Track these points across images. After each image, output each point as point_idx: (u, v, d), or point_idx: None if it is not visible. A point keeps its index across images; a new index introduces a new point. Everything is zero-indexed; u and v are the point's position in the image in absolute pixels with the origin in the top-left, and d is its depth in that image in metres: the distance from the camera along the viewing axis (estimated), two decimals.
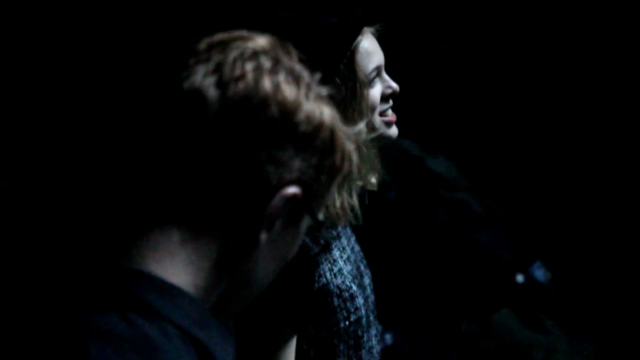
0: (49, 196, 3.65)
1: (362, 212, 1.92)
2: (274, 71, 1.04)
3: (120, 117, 1.02)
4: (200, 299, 1.04)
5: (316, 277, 1.84)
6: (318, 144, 1.06)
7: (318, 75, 1.10)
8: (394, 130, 1.99)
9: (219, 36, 1.07)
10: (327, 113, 1.07)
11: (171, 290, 1.00)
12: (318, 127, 1.05)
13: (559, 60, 4.80)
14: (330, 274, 1.86)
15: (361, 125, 1.85)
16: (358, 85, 1.88)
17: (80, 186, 3.59)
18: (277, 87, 1.03)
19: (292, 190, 1.03)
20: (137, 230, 1.04)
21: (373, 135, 1.92)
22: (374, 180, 2.01)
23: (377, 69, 1.94)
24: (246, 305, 1.15)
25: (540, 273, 4.43)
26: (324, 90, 1.10)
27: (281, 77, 1.04)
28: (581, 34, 4.79)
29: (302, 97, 1.05)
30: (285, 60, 1.06)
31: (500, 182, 4.72)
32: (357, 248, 2.04)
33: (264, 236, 1.05)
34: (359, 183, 1.97)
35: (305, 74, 1.08)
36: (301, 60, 1.09)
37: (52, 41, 3.83)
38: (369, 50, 1.92)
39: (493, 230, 4.42)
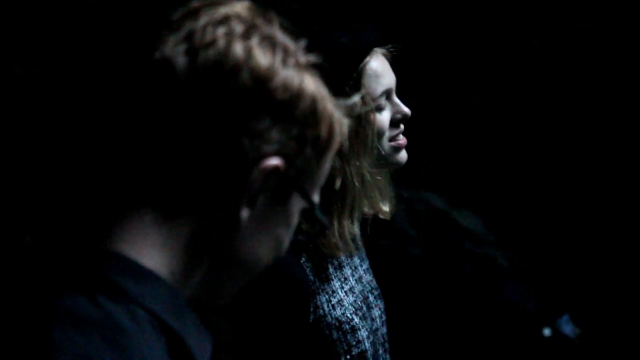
0: (31, 179, 3.62)
1: (381, 252, 1.88)
2: (246, 36, 0.97)
3: (101, 96, 1.01)
4: (177, 285, 0.98)
5: (312, 309, 1.77)
6: (298, 114, 0.99)
7: (303, 43, 1.03)
8: (402, 156, 1.89)
9: (194, 4, 1.00)
10: (309, 81, 1.00)
11: (144, 273, 0.95)
12: (297, 95, 0.98)
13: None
14: (329, 306, 1.80)
15: (368, 157, 1.80)
16: (364, 110, 1.79)
17: (63, 168, 3.56)
18: (249, 52, 0.96)
19: (272, 162, 0.96)
20: (114, 212, 0.98)
21: (381, 161, 1.84)
22: (386, 208, 1.94)
23: (387, 92, 1.85)
24: (236, 292, 1.07)
25: (568, 327, 4.40)
26: (309, 59, 1.03)
27: (254, 42, 0.97)
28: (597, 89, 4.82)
29: (277, 64, 0.97)
30: (261, 25, 0.99)
31: (527, 236, 4.71)
32: (366, 278, 1.96)
33: (245, 213, 0.98)
34: (369, 211, 1.90)
35: (284, 40, 1.00)
36: (284, 28, 1.02)
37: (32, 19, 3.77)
38: (378, 71, 1.83)
39: (519, 284, 4.41)
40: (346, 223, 1.80)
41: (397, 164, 1.89)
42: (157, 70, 0.96)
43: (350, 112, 1.07)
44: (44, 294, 0.93)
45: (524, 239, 4.69)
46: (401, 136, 1.88)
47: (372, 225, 1.97)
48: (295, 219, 1.05)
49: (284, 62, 0.98)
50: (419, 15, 4.70)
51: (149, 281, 0.95)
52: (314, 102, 1.00)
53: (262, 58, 0.96)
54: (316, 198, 1.06)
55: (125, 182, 0.98)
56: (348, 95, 1.76)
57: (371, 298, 1.94)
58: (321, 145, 1.02)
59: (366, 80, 1.81)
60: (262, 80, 0.96)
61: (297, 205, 1.03)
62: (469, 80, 4.86)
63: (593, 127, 4.80)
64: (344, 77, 1.80)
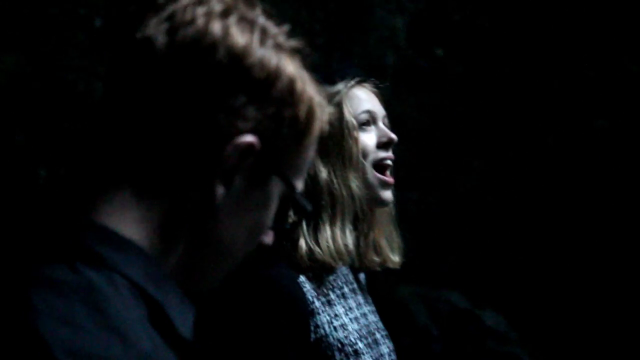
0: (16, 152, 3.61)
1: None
2: (224, 15, 0.99)
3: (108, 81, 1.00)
4: (156, 258, 0.98)
5: (312, 328, 1.79)
6: (275, 93, 0.99)
7: (285, 28, 1.04)
8: (388, 194, 1.94)
9: None
10: (287, 63, 1.01)
11: (124, 243, 0.95)
12: (274, 75, 0.99)
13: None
14: (330, 327, 1.81)
15: (353, 172, 1.87)
16: (345, 126, 1.88)
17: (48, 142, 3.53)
18: (227, 30, 0.97)
19: (246, 139, 0.97)
20: (95, 186, 0.99)
21: (367, 190, 1.90)
22: (395, 258, 2.00)
23: (369, 113, 1.94)
24: (218, 279, 1.07)
25: None
26: (291, 43, 1.03)
27: (232, 21, 0.98)
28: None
29: (254, 43, 0.99)
30: (240, 6, 1.01)
31: (550, 334, 4.68)
32: (372, 318, 1.97)
33: (220, 190, 0.98)
34: (378, 259, 1.97)
35: (263, 22, 1.02)
36: (266, 13, 1.03)
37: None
38: (361, 97, 1.95)
39: None
40: (337, 231, 1.84)
41: (382, 201, 1.94)
42: (138, 48, 0.98)
43: (332, 99, 1.08)
44: (23, 262, 0.94)
45: (546, 336, 4.65)
46: (389, 172, 1.95)
47: (392, 320, 1.99)
48: (274, 203, 1.05)
49: (262, 42, 1.00)
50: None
51: (129, 250, 0.95)
52: (292, 82, 1.01)
53: (239, 37, 0.98)
54: (299, 184, 1.06)
55: (106, 157, 1.00)
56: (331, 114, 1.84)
57: (378, 335, 1.95)
58: (300, 127, 1.02)
59: (348, 102, 1.92)
60: (238, 58, 0.97)
61: (276, 189, 1.03)
62: (488, 175, 4.90)
63: (612, 225, 4.81)
64: (327, 98, 1.87)
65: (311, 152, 1.07)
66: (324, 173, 1.86)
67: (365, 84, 1.98)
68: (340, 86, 1.92)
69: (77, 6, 3.91)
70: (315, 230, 1.84)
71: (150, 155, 0.98)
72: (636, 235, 4.78)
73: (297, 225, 1.83)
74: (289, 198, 1.06)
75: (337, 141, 1.87)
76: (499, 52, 4.86)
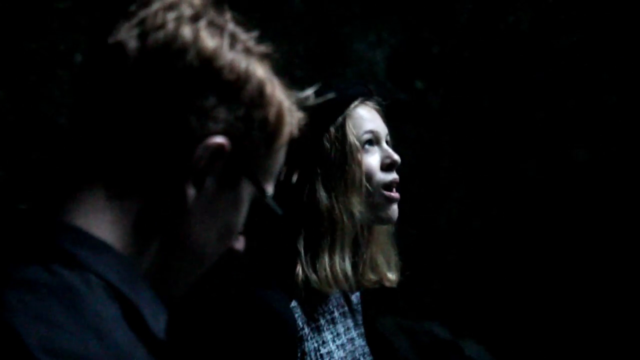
0: None
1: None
2: (194, 19, 1.01)
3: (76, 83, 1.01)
4: (130, 259, 0.99)
5: (299, 354, 1.76)
6: (245, 95, 1.01)
7: (255, 33, 1.06)
8: (393, 210, 1.89)
9: None
10: (257, 67, 1.03)
11: (97, 244, 0.96)
12: (244, 77, 1.01)
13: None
14: (317, 355, 1.79)
15: (356, 196, 1.82)
16: (348, 148, 1.83)
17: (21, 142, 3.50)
18: (197, 34, 1.00)
19: (216, 140, 0.99)
20: (67, 187, 1.00)
21: (372, 210, 1.85)
22: (392, 276, 1.95)
23: (372, 133, 1.88)
24: (190, 283, 1.08)
25: None
26: (260, 48, 1.05)
27: (202, 25, 1.01)
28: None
29: (224, 47, 1.01)
30: (210, 12, 1.03)
31: None
32: (359, 342, 1.95)
33: (191, 192, 0.99)
34: (374, 278, 1.93)
35: (233, 27, 1.04)
36: (236, 20, 1.06)
37: None
38: (364, 117, 1.89)
39: None
40: (336, 258, 1.80)
41: (388, 217, 1.90)
42: (109, 53, 1.00)
43: (302, 104, 1.11)
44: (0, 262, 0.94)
45: None
46: (394, 190, 1.89)
47: (374, 351, 1.98)
48: (245, 207, 1.06)
49: (232, 46, 1.02)
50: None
51: (103, 252, 0.96)
52: (261, 85, 1.03)
53: (209, 40, 1.00)
54: (269, 188, 1.07)
55: (79, 158, 1.01)
56: (333, 135, 1.83)
57: None
58: (270, 130, 1.04)
59: (351, 122, 1.86)
60: (208, 60, 0.99)
61: (247, 191, 1.05)
62: (470, 206, 4.91)
63: (599, 254, 4.82)
64: (328, 119, 1.85)
65: (281, 156, 1.09)
66: (324, 198, 1.81)
67: (368, 102, 1.93)
68: (342, 106, 1.88)
69: (56, 42, 3.92)
70: (313, 257, 1.81)
71: (122, 156, 0.99)
72: (618, 262, 4.79)
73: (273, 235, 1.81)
74: (259, 202, 1.07)
75: (340, 164, 1.83)
76: (479, 83, 4.89)
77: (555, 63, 4.88)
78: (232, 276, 1.82)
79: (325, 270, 1.79)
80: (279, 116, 1.05)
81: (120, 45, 0.99)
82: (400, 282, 1.97)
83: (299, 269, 1.80)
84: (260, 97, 1.03)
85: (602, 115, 4.86)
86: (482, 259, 4.87)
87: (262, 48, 1.06)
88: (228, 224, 1.05)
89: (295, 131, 1.09)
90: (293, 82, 1.11)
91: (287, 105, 1.07)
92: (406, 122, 4.72)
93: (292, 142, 1.73)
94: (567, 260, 4.83)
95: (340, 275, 1.80)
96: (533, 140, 4.89)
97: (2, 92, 3.84)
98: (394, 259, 1.98)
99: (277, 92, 1.06)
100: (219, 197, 1.03)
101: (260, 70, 1.04)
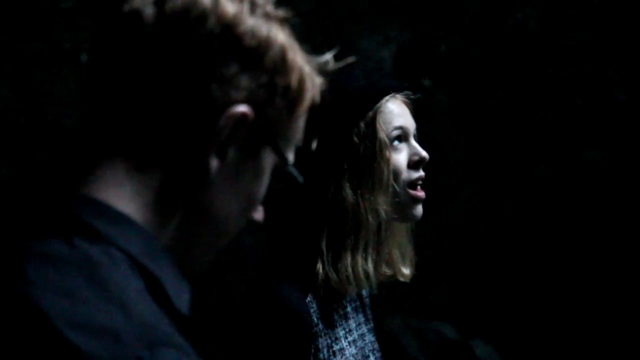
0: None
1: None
2: None
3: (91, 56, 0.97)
4: (151, 232, 0.97)
5: (312, 350, 1.73)
6: (267, 62, 0.99)
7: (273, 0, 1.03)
8: (419, 209, 1.85)
9: None
10: (278, 32, 1.00)
11: (119, 217, 0.94)
12: (266, 43, 0.98)
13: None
14: (329, 351, 1.76)
15: (383, 195, 1.77)
16: (378, 145, 1.78)
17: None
18: (216, 0, 0.96)
19: (240, 109, 0.96)
20: (88, 159, 0.98)
21: (397, 209, 1.81)
22: (406, 270, 1.92)
23: (402, 130, 1.83)
24: (211, 257, 1.06)
25: None
26: (279, 12, 1.03)
27: None
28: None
29: (244, 12, 0.98)
30: None
31: None
32: (369, 338, 1.92)
33: (214, 163, 0.97)
34: (388, 271, 1.89)
35: None
36: None
37: None
38: (394, 112, 1.83)
39: None
40: (359, 258, 1.76)
41: (413, 216, 1.86)
42: (125, 21, 0.97)
43: (322, 69, 1.08)
44: (17, 237, 0.93)
45: None
46: (419, 188, 1.86)
47: (382, 351, 1.95)
48: (266, 176, 1.04)
49: (252, 11, 0.99)
50: None
51: (124, 224, 0.94)
52: (283, 51, 1.00)
53: (229, 5, 0.97)
54: (290, 156, 1.05)
55: (98, 132, 0.99)
56: (363, 131, 1.78)
57: (372, 358, 1.90)
58: (292, 97, 1.01)
59: (381, 118, 1.80)
60: (229, 26, 0.96)
61: (269, 160, 1.02)
62: (478, 205, 4.89)
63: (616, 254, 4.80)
64: (359, 114, 1.80)
65: (302, 123, 1.06)
66: (350, 195, 1.77)
67: (398, 95, 1.86)
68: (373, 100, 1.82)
69: (62, 41, 3.92)
70: (335, 256, 1.77)
71: (142, 128, 0.96)
72: (631, 262, 4.77)
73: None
74: (280, 170, 1.05)
75: (368, 161, 1.77)
76: (487, 81, 4.87)
77: (564, 60, 4.86)
78: (250, 271, 1.81)
79: (347, 270, 1.75)
80: (301, 82, 1.02)
81: (137, 13, 0.96)
82: (408, 283, 1.95)
83: (320, 266, 1.76)
84: (282, 63, 1.00)
85: (611, 113, 4.83)
86: (491, 259, 4.85)
87: (281, 12, 1.03)
88: (250, 194, 1.03)
89: (317, 97, 1.05)
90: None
91: (308, 71, 1.03)
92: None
93: (320, 133, 1.69)
94: (577, 259, 4.80)
95: (362, 275, 1.76)
96: (542, 139, 4.86)
97: (7, 92, 3.84)
98: (409, 254, 1.94)
99: (298, 57, 1.02)
100: (241, 167, 1.00)
101: (281, 36, 1.01)
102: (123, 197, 0.96)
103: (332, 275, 1.76)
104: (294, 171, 1.05)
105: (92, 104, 1.00)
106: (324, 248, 1.77)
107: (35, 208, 0.96)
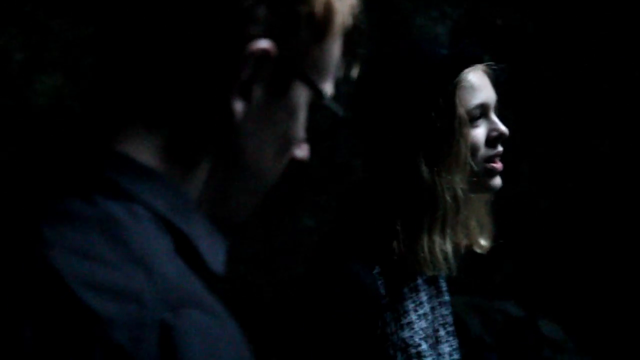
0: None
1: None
2: None
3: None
4: (179, 186, 0.91)
5: (380, 324, 1.67)
6: None
7: None
8: (497, 181, 1.81)
9: None
10: None
11: (144, 170, 0.88)
12: None
13: None
14: (396, 325, 1.70)
15: (460, 173, 1.71)
16: (457, 122, 1.70)
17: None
18: None
19: (260, 45, 0.88)
20: (109, 118, 0.93)
21: (474, 181, 1.76)
22: (483, 242, 1.86)
23: (482, 107, 1.76)
24: (251, 206, 0.98)
25: None
26: None
27: None
28: None
29: None
30: None
31: (608, 343, 4.56)
32: (441, 311, 1.86)
33: (239, 105, 0.89)
34: (464, 241, 1.82)
35: None
36: None
37: None
38: (475, 85, 1.75)
39: None
40: (436, 238, 1.70)
41: (490, 188, 1.81)
42: None
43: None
44: (35, 194, 0.88)
45: (604, 345, 4.53)
46: (497, 159, 1.80)
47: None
48: (302, 112, 0.95)
49: None
50: None
51: (150, 179, 0.88)
52: None
53: None
54: (327, 88, 0.96)
55: (115, 87, 0.94)
56: (441, 107, 1.70)
57: (442, 332, 1.83)
58: (318, 24, 0.91)
59: (461, 93, 1.72)
60: None
61: (302, 95, 0.94)
62: (538, 181, 4.81)
63: None
64: (439, 88, 1.71)
65: (336, 50, 0.96)
66: (426, 173, 1.70)
67: (479, 65, 1.78)
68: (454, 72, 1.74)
69: None
70: (410, 237, 1.71)
71: (160, 77, 0.90)
72: None
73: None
74: (317, 104, 0.96)
75: (445, 139, 1.70)
76: (544, 56, 4.78)
77: (623, 32, 4.75)
78: (308, 251, 1.77)
79: (423, 250, 1.69)
80: (328, 6, 0.91)
81: None
82: (472, 262, 1.87)
83: (395, 246, 1.71)
84: None
85: None
86: (555, 236, 4.77)
87: None
88: (285, 134, 0.95)
89: (349, 19, 0.94)
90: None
91: None
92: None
93: (394, 106, 1.60)
94: None
95: (440, 257, 1.70)
96: (603, 116, 4.76)
97: (61, 78, 3.85)
98: (487, 224, 1.88)
99: None
100: (271, 106, 0.92)
101: None
102: (146, 150, 0.90)
103: (408, 255, 1.70)
104: (332, 105, 0.97)
105: (107, 59, 0.95)
106: (399, 228, 1.71)
107: (55, 166, 0.91)
